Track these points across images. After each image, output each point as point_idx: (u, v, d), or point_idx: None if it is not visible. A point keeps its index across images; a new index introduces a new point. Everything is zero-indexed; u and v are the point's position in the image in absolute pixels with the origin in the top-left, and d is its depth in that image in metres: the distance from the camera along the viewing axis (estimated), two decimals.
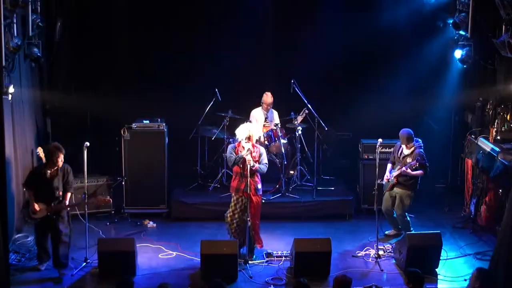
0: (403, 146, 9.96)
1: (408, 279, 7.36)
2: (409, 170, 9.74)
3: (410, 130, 9.94)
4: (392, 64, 12.22)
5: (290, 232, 10.35)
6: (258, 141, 10.96)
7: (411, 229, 9.99)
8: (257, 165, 9.33)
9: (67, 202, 8.97)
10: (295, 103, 11.63)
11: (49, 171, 8.83)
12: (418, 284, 7.27)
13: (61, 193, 8.89)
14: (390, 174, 10.06)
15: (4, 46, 8.75)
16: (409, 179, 9.92)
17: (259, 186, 9.50)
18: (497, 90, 10.98)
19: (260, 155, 9.46)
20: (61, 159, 8.82)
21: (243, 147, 9.35)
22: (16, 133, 10.17)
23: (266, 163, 9.51)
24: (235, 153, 9.34)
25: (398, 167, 9.94)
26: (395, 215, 10.20)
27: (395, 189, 10.05)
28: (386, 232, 10.43)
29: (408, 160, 9.85)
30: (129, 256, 8.88)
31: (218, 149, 11.86)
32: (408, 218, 10.09)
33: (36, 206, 8.77)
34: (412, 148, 9.91)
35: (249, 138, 9.35)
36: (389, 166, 10.18)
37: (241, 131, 9.44)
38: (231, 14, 12.12)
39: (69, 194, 9.03)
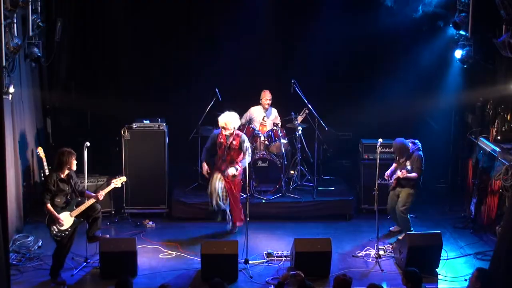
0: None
1: (406, 279, 7.37)
2: (404, 174, 9.79)
3: (403, 141, 9.96)
4: (392, 64, 12.22)
5: (290, 232, 10.36)
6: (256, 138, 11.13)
7: (411, 229, 9.99)
8: (238, 171, 10.04)
9: (101, 194, 8.93)
10: (295, 103, 11.63)
11: (62, 176, 8.75)
12: (416, 283, 7.27)
13: (74, 196, 8.88)
14: (390, 173, 10.10)
15: (4, 46, 8.75)
16: (410, 180, 9.95)
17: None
18: (497, 90, 10.98)
19: (241, 144, 9.96)
20: (75, 162, 8.84)
21: (225, 137, 9.94)
22: (16, 133, 10.17)
23: (249, 152, 10.06)
24: (217, 141, 10.10)
25: (399, 170, 9.98)
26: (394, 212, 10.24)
27: (397, 188, 10.10)
28: (391, 228, 10.47)
29: (407, 163, 9.89)
30: (130, 256, 8.89)
31: None
32: (409, 217, 10.10)
33: (61, 217, 8.66)
34: (411, 152, 9.94)
35: (224, 128, 9.89)
36: (393, 165, 10.23)
37: (220, 120, 10.03)
38: (231, 14, 12.12)
39: (87, 192, 9.07)
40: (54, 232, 8.67)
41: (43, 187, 8.89)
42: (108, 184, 9.28)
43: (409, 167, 9.81)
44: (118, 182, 9.21)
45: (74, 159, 8.80)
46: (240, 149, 10.04)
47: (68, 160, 8.73)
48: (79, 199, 8.91)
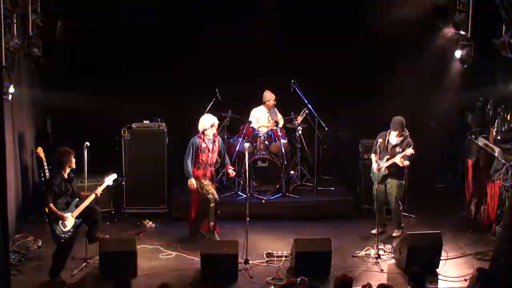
0: (394, 133, 9.99)
1: (409, 278, 7.35)
2: (406, 162, 9.81)
3: (402, 118, 10.02)
4: (392, 64, 12.21)
5: (290, 232, 10.35)
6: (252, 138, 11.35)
7: (402, 224, 10.19)
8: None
9: (98, 192, 9.02)
10: (295, 103, 11.63)
11: (65, 174, 8.80)
12: (419, 283, 7.26)
13: (73, 196, 8.91)
14: (380, 165, 10.10)
15: (4, 46, 8.73)
16: (400, 169, 10.02)
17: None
18: (497, 90, 11.00)
19: (220, 143, 10.15)
20: (74, 160, 8.88)
21: (206, 140, 9.92)
22: (16, 133, 10.17)
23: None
24: (199, 148, 9.88)
25: (387, 157, 9.99)
26: (383, 209, 10.31)
27: (388, 179, 10.12)
28: (373, 231, 10.33)
29: (397, 149, 9.92)
30: (130, 256, 8.89)
31: None
32: (401, 209, 10.18)
33: (65, 216, 8.67)
34: (402, 138, 9.97)
35: (209, 128, 9.92)
36: (374, 156, 10.19)
37: (205, 120, 9.99)
38: (231, 14, 12.12)
39: (82, 193, 9.10)
40: (58, 233, 8.66)
41: (47, 187, 8.88)
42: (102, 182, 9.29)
43: (407, 151, 9.82)
44: (110, 179, 9.27)
45: (73, 157, 8.85)
46: (219, 149, 10.12)
47: (68, 159, 8.79)
48: (77, 199, 8.92)
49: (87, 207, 8.93)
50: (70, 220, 8.75)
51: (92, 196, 8.96)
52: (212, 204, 9.93)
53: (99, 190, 9.08)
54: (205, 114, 10.21)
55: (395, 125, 9.98)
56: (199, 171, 9.99)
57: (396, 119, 10.01)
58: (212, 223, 9.96)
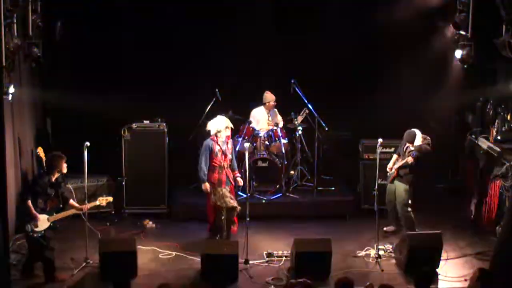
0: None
1: (416, 279, 7.31)
2: (410, 159, 9.76)
3: (415, 131, 9.96)
4: (392, 64, 12.22)
5: (290, 232, 10.34)
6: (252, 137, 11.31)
7: (416, 229, 10.01)
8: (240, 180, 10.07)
9: (85, 207, 9.00)
10: (295, 103, 11.63)
11: (53, 178, 8.77)
12: (424, 284, 7.23)
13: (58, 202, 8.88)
14: (391, 164, 10.14)
15: (4, 46, 8.74)
16: (408, 173, 9.96)
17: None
18: (497, 90, 11.00)
19: (232, 146, 10.07)
20: (66, 165, 8.85)
21: (220, 143, 9.73)
22: (16, 133, 10.17)
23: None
24: (213, 152, 9.71)
25: (400, 160, 9.99)
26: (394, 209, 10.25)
27: (395, 182, 10.11)
28: (385, 228, 10.40)
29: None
30: (129, 256, 8.87)
31: None
32: (412, 215, 10.10)
33: (40, 217, 8.61)
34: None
35: (225, 130, 9.75)
36: (395, 156, 10.20)
37: (219, 122, 9.80)
38: (231, 14, 12.12)
39: (71, 201, 9.07)
40: (28, 230, 8.59)
41: (31, 186, 8.90)
42: (96, 199, 9.25)
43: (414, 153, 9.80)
44: (103, 201, 9.24)
45: (64, 163, 8.82)
46: (232, 151, 10.03)
47: (58, 164, 8.77)
48: (61, 206, 8.89)
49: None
50: (44, 222, 8.65)
51: (75, 211, 8.95)
52: (222, 218, 9.77)
53: (88, 206, 9.05)
54: (218, 116, 10.04)
55: (407, 138, 10.00)
56: (214, 175, 9.78)
57: (406, 134, 10.01)
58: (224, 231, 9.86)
